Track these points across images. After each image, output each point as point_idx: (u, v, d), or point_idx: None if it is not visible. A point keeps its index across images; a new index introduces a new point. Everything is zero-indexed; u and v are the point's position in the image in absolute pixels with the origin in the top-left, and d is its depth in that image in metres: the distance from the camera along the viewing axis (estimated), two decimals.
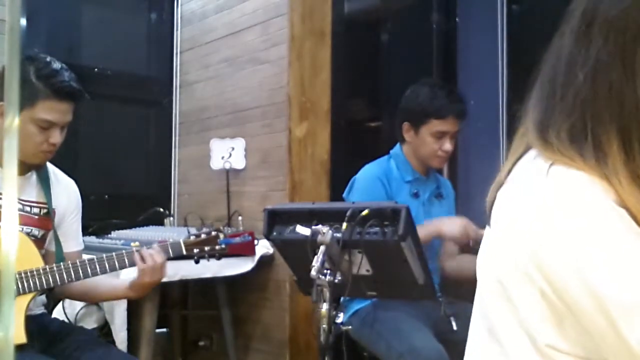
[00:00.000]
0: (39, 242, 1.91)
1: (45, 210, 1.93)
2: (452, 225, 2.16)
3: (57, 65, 1.84)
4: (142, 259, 1.87)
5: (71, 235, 2.03)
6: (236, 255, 2.67)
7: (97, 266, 1.85)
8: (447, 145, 2.30)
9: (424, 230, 2.01)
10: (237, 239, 2.01)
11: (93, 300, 2.20)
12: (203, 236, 1.97)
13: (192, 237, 1.96)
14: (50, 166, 2.00)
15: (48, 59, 1.84)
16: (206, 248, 1.97)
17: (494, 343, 0.86)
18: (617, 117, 0.76)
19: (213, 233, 1.98)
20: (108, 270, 1.86)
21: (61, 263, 1.84)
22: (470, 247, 2.29)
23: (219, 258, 2.01)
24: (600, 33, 0.79)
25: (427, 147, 2.31)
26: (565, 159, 0.78)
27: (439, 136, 2.29)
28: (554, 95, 0.83)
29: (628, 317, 0.71)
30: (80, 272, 1.83)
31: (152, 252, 1.88)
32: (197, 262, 1.99)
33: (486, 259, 0.90)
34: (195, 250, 1.95)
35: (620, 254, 0.72)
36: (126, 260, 1.88)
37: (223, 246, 1.98)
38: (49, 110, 1.79)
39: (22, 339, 1.72)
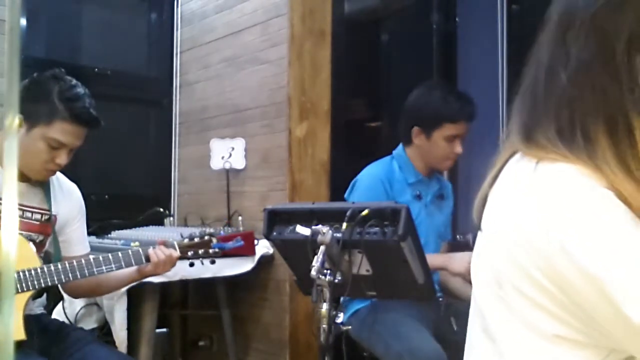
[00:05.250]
0: (38, 246, 1.92)
1: (47, 217, 1.95)
2: (459, 262, 2.17)
3: (80, 89, 1.88)
4: (156, 255, 1.92)
5: (77, 240, 2.05)
6: (236, 255, 2.68)
7: (94, 265, 1.86)
8: (459, 148, 2.31)
9: (429, 262, 2.03)
10: (230, 244, 2.02)
11: (104, 292, 2.23)
12: (196, 240, 2.00)
13: (186, 240, 1.98)
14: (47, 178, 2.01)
15: (73, 82, 1.88)
16: (200, 251, 1.99)
17: (490, 342, 0.87)
18: (602, 111, 0.80)
19: (206, 237, 2.01)
20: (104, 270, 1.87)
21: (58, 262, 1.85)
22: None
23: (212, 262, 2.03)
24: (578, 35, 0.84)
25: (440, 151, 2.32)
26: (552, 155, 0.82)
27: (450, 140, 2.30)
28: (537, 100, 0.87)
29: (628, 296, 0.73)
30: (77, 271, 1.84)
31: (165, 250, 1.94)
32: (191, 265, 2.01)
33: (481, 262, 0.92)
34: (190, 253, 1.98)
35: (609, 234, 0.76)
36: (122, 261, 1.89)
37: (217, 250, 2.00)
38: (63, 131, 1.83)
39: (20, 335, 1.72)
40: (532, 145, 0.85)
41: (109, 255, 1.88)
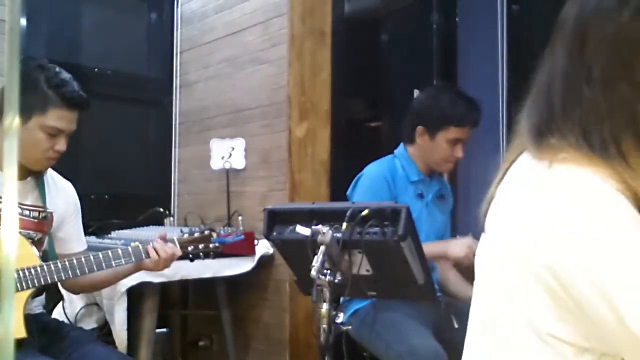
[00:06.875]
0: (37, 244, 1.92)
1: (43, 214, 1.95)
2: (457, 247, 2.17)
3: (66, 75, 1.90)
4: (156, 251, 1.92)
5: (74, 237, 2.06)
6: (236, 255, 2.68)
7: (93, 263, 1.86)
8: (460, 152, 2.33)
9: (429, 250, 2.03)
10: (230, 238, 2.03)
11: (103, 287, 2.24)
12: (196, 235, 2.00)
13: (186, 235, 1.99)
14: (48, 170, 2.01)
15: (57, 69, 1.91)
16: (200, 246, 2.00)
17: (490, 337, 0.88)
18: (631, 124, 0.81)
19: (206, 232, 2.01)
20: (104, 267, 1.88)
21: (57, 260, 1.85)
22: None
23: (213, 257, 2.03)
24: (600, 49, 0.82)
25: (441, 153, 2.33)
26: (563, 155, 0.82)
27: (454, 143, 2.31)
28: (553, 107, 0.86)
29: (628, 303, 0.73)
30: (77, 269, 1.84)
31: (167, 247, 1.93)
32: (192, 260, 2.01)
33: (485, 257, 0.92)
34: (190, 248, 1.98)
35: (618, 238, 0.76)
36: (122, 258, 1.89)
37: (217, 244, 2.01)
38: (59, 118, 1.85)
39: (21, 333, 1.73)
40: (543, 147, 0.85)
41: (109, 252, 1.88)
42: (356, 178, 2.35)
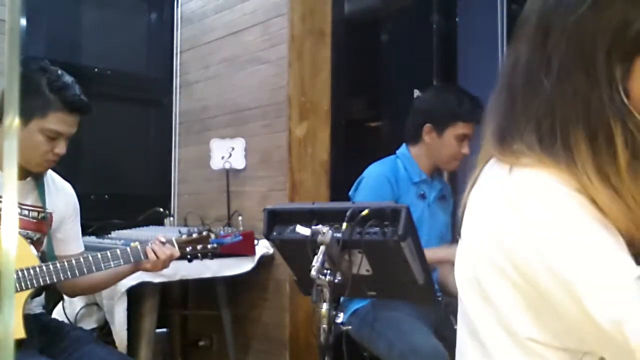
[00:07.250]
0: (36, 244, 1.93)
1: (42, 215, 1.95)
2: None
3: (68, 78, 1.90)
4: (155, 253, 1.92)
5: (72, 238, 2.06)
6: (236, 255, 2.68)
7: (92, 263, 1.86)
8: (466, 149, 2.36)
9: (432, 255, 2.03)
10: (228, 239, 2.04)
11: (102, 288, 2.24)
12: (195, 235, 2.00)
13: (184, 236, 1.99)
14: (47, 170, 2.02)
15: (59, 71, 1.91)
16: (198, 247, 2.00)
17: (477, 344, 0.88)
18: (583, 118, 0.80)
19: (204, 233, 2.01)
20: (103, 267, 1.88)
21: (56, 261, 1.86)
22: None
23: (211, 257, 2.04)
24: (560, 40, 0.83)
25: (449, 150, 2.34)
26: (525, 160, 0.82)
27: (461, 139, 2.33)
28: (515, 103, 0.87)
29: (594, 299, 0.74)
30: (76, 269, 1.84)
31: (165, 249, 1.94)
32: (190, 261, 2.01)
33: (462, 264, 0.94)
34: (188, 249, 1.99)
35: (579, 239, 0.77)
36: (121, 259, 1.89)
37: (215, 245, 2.02)
38: (59, 121, 1.86)
39: (20, 334, 1.73)
40: (506, 151, 0.86)
41: (107, 252, 1.89)
42: (359, 179, 2.36)
